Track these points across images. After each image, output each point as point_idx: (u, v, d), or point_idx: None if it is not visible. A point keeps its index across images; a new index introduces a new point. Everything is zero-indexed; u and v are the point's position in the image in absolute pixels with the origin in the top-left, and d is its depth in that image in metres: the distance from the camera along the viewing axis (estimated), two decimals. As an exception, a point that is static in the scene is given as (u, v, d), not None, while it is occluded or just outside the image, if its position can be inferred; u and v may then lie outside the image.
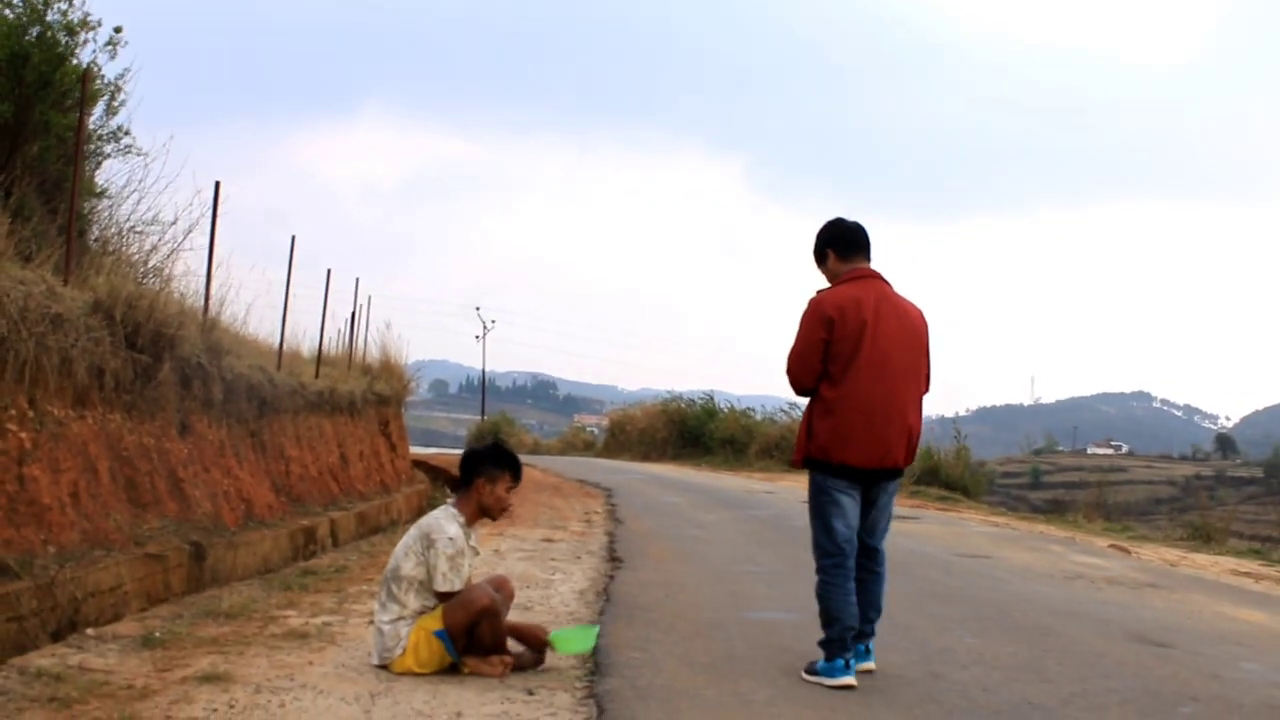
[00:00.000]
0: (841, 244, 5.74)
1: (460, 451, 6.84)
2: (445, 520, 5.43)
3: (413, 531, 5.47)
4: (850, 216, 5.78)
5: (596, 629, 5.75)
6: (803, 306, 5.70)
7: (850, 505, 5.52)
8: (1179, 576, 10.73)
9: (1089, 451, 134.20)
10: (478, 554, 5.63)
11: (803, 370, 5.57)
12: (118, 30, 9.87)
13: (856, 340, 5.46)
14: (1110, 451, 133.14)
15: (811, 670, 5.49)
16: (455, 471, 5.82)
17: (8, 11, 9.07)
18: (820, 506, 5.55)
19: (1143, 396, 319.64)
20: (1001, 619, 7.51)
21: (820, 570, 5.51)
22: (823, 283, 5.79)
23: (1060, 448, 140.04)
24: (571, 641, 5.53)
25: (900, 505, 17.64)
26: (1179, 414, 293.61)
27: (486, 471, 5.56)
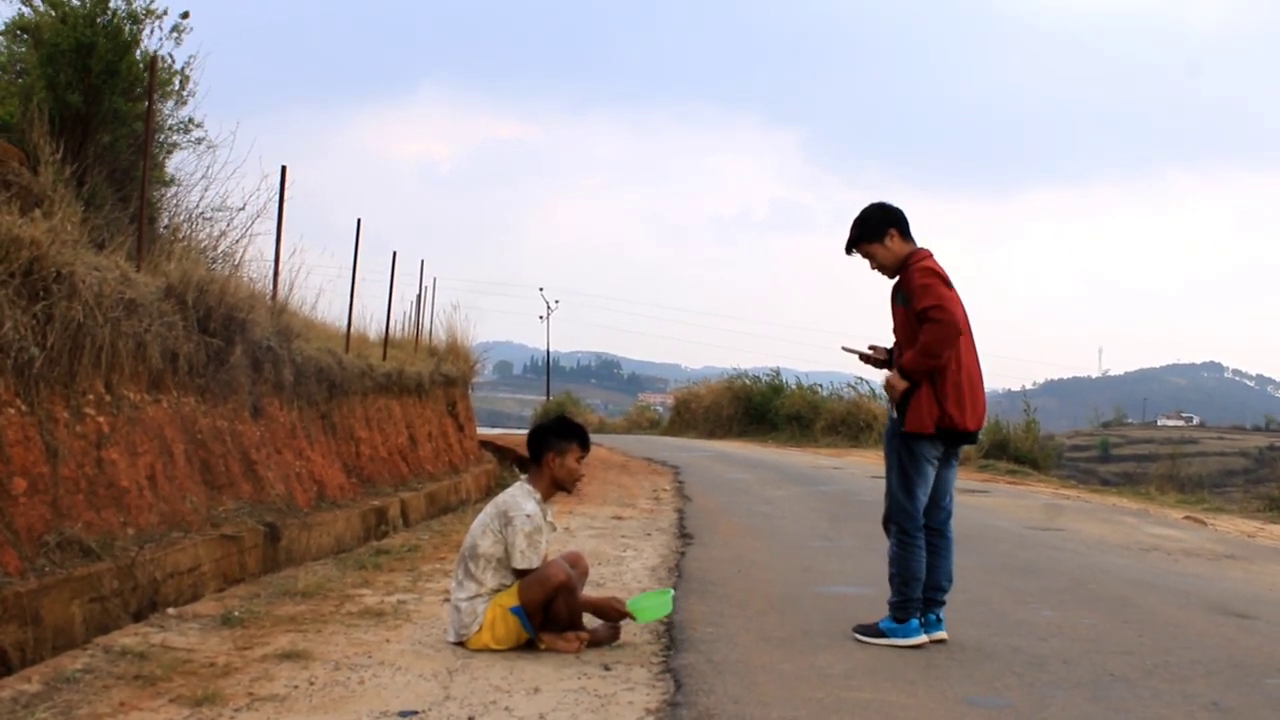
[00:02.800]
0: (901, 224, 5.82)
1: (527, 431, 6.87)
2: (522, 497, 5.44)
3: (489, 509, 5.49)
4: (911, 192, 5.83)
5: (672, 591, 5.71)
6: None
7: (933, 473, 5.68)
8: (1257, 548, 10.56)
9: (1159, 424, 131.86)
10: (554, 530, 5.64)
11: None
12: (184, 16, 9.93)
13: (960, 309, 5.60)
14: (1181, 423, 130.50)
15: (874, 632, 5.60)
16: (522, 451, 5.82)
17: (75, 1, 9.15)
18: (910, 474, 5.64)
19: (1214, 367, 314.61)
20: (1078, 591, 7.42)
21: (903, 534, 5.63)
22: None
23: (1129, 420, 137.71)
24: (650, 609, 5.48)
25: (970, 479, 17.55)
26: (1252, 384, 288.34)
27: (554, 445, 5.57)
